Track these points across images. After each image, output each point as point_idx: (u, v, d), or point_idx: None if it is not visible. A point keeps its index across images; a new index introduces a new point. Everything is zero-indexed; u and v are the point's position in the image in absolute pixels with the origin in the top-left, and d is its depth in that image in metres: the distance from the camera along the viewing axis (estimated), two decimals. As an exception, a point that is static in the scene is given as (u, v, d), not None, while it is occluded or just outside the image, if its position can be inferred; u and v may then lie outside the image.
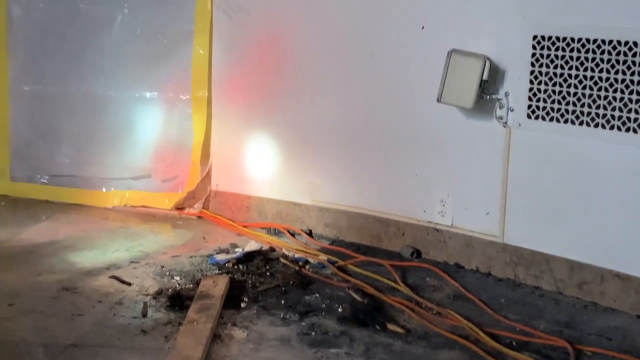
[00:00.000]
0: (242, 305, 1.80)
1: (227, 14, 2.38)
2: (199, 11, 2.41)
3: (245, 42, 2.39)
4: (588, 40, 1.79)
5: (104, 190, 2.53)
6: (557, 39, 1.83)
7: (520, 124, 1.92)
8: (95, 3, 2.46)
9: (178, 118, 2.47)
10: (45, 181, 2.57)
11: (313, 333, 1.69)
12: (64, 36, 2.50)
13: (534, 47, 1.87)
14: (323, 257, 2.10)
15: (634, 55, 1.72)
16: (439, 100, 1.97)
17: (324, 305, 1.82)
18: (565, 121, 1.84)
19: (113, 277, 1.95)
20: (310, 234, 2.31)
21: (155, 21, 2.45)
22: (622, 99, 1.75)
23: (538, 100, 1.88)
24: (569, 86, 1.82)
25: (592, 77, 1.79)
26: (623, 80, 1.74)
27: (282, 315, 1.76)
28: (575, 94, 1.81)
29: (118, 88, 2.49)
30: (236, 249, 2.15)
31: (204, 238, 2.28)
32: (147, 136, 2.50)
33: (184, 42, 2.43)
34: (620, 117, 1.76)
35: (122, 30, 2.46)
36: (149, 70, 2.47)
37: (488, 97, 1.95)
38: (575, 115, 1.82)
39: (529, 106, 1.90)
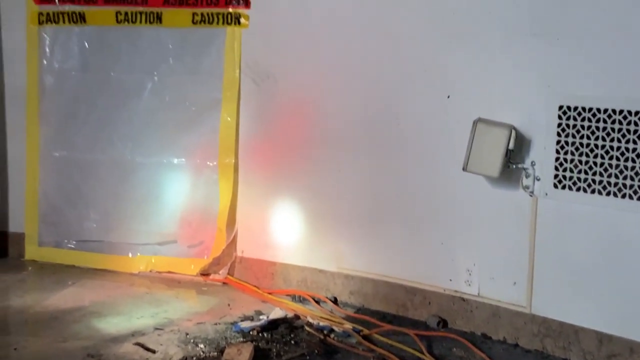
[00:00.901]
0: (267, 374, 1.80)
1: (255, 81, 2.41)
2: (228, 79, 2.44)
3: (272, 109, 2.42)
4: (614, 111, 1.79)
5: (130, 255, 2.54)
6: (583, 109, 1.84)
7: (546, 194, 1.91)
8: (126, 71, 2.51)
9: (205, 184, 2.49)
10: (72, 246, 2.59)
11: (338, 404, 1.67)
12: (95, 104, 2.54)
13: (559, 117, 1.88)
14: (348, 326, 2.09)
15: (661, 126, 1.72)
16: (464, 169, 1.97)
17: (349, 376, 1.81)
18: (593, 191, 1.83)
19: (138, 344, 1.94)
20: (335, 301, 2.30)
21: (184, 89, 2.49)
22: (649, 169, 1.75)
23: (565, 170, 1.87)
24: (595, 156, 1.82)
25: (618, 148, 1.78)
26: (650, 151, 1.75)
27: (306, 385, 1.75)
28: (602, 164, 1.81)
29: (146, 154, 2.53)
30: (261, 317, 2.14)
31: (229, 305, 2.27)
32: (174, 202, 2.52)
33: (212, 109, 2.46)
34: (647, 188, 1.76)
35: (152, 98, 2.50)
36: (177, 137, 2.50)
37: (514, 166, 1.95)
38: (602, 185, 1.81)
39: (556, 176, 1.89)
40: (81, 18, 2.51)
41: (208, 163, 2.48)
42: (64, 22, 2.52)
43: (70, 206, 2.59)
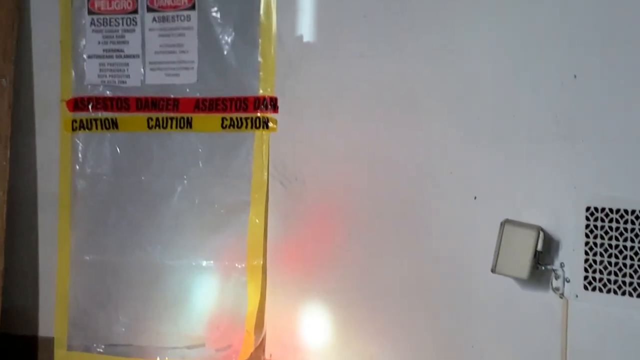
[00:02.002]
0: None
1: (283, 184, 2.44)
2: (256, 182, 2.47)
3: (300, 210, 2.43)
4: (642, 212, 1.79)
5: (158, 359, 2.53)
6: (611, 210, 1.84)
7: (577, 296, 1.90)
8: (157, 175, 2.55)
9: (233, 286, 2.49)
10: (101, 350, 2.58)
11: None
12: (125, 208, 2.57)
13: (587, 219, 1.87)
14: None
15: (690, 227, 1.71)
16: (493, 270, 1.96)
17: None
18: (623, 293, 1.81)
19: None
20: (365, 406, 2.26)
21: (213, 191, 2.51)
22: (680, 271, 1.73)
23: (594, 272, 1.86)
24: (624, 258, 1.81)
25: (647, 249, 1.78)
26: (680, 253, 1.73)
27: None
28: (631, 265, 1.80)
29: (175, 257, 2.54)
30: (290, 422, 2.12)
31: (257, 410, 2.25)
32: (203, 304, 2.52)
33: (241, 211, 2.49)
34: (679, 290, 1.73)
35: (181, 201, 2.53)
36: (206, 239, 2.52)
37: (543, 267, 1.94)
38: (632, 287, 1.79)
39: (585, 277, 1.88)
40: (113, 124, 2.57)
41: (236, 265, 2.49)
42: (96, 128, 2.58)
43: (100, 309, 2.59)
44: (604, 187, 1.87)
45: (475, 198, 2.08)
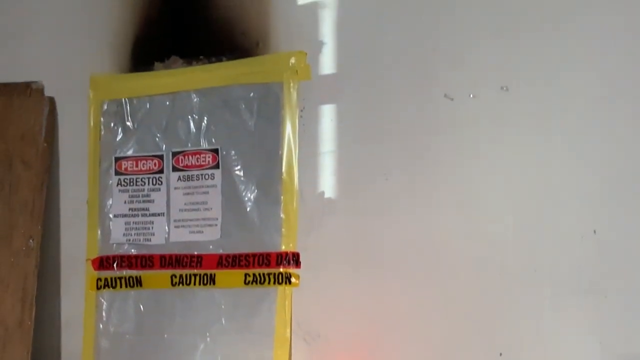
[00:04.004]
0: None
1: (306, 340, 2.43)
2: (278, 338, 2.46)
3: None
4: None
5: None
6: (637, 369, 1.82)
7: None
8: (180, 332, 2.54)
9: None
10: None
11: None
12: (150, 367, 2.57)
13: (615, 376, 1.85)
14: None
15: None
16: None
17: None
18: None
19: None
20: None
21: (236, 348, 2.49)
22: None
23: None
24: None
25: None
26: None
27: None
28: None
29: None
30: None
31: None
32: None
33: (264, 369, 2.47)
34: None
35: (204, 358, 2.52)
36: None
37: None
38: None
39: None
40: (138, 282, 2.59)
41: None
42: (121, 286, 2.60)
43: None
44: (630, 343, 1.85)
45: (500, 355, 2.06)
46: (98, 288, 2.62)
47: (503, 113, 2.11)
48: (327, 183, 2.39)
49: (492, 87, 2.12)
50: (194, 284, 2.56)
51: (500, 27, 2.13)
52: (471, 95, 2.15)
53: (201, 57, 2.56)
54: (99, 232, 2.63)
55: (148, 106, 2.62)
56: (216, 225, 2.53)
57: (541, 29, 2.08)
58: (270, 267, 2.51)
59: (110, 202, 2.63)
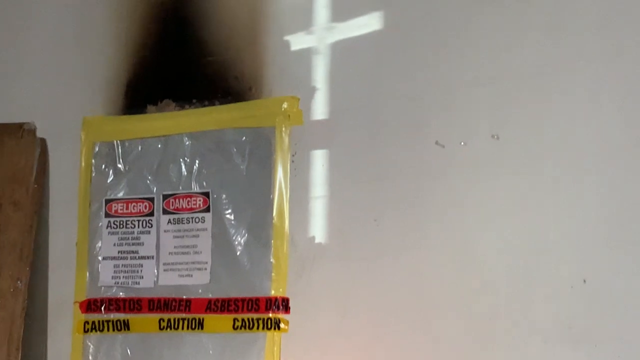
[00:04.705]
0: None
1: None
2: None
3: None
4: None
5: None
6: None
7: None
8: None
9: None
10: None
11: None
12: None
13: None
14: None
15: None
16: None
17: None
18: None
19: None
20: None
21: None
22: None
23: None
24: None
25: None
26: None
27: None
28: None
29: None
30: None
31: None
32: None
33: None
34: None
35: None
36: None
37: None
38: None
39: None
40: (125, 325, 2.56)
41: None
42: (108, 330, 2.57)
43: None
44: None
45: None
46: (85, 331, 2.59)
47: (494, 161, 2.12)
48: (318, 228, 2.39)
49: (483, 135, 2.14)
50: (182, 328, 2.53)
51: (491, 75, 2.15)
52: (462, 143, 2.16)
53: (194, 100, 2.57)
54: (88, 274, 2.61)
55: (140, 148, 2.63)
56: (206, 269, 2.52)
57: (532, 78, 2.10)
58: (260, 312, 2.49)
59: (100, 245, 2.62)
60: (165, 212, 2.58)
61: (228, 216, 2.51)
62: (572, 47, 2.06)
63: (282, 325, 2.47)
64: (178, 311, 2.54)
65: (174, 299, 2.54)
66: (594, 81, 2.03)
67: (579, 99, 2.04)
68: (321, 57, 2.41)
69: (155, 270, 2.56)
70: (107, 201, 2.63)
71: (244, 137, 2.50)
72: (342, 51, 2.39)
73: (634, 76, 1.98)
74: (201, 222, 2.53)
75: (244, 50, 2.52)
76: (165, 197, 2.58)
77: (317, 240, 2.38)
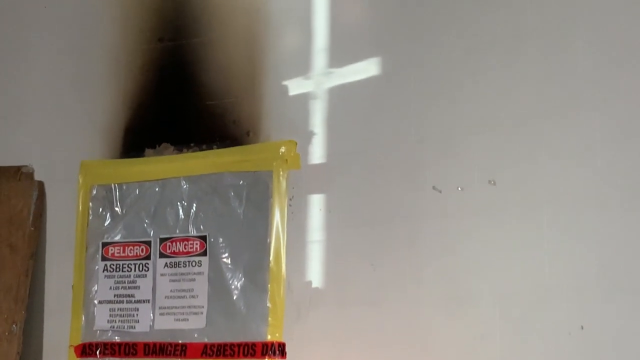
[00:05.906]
0: None
1: None
2: None
3: None
4: None
5: None
6: None
7: None
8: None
9: None
10: None
11: None
12: None
13: None
14: None
15: None
16: None
17: None
18: None
19: None
20: None
21: None
22: None
23: None
24: None
25: None
26: None
27: None
28: None
29: None
30: None
31: None
32: None
33: None
34: None
35: None
36: None
37: None
38: None
39: None
40: (120, 371, 2.56)
41: None
42: (103, 375, 2.57)
43: None
44: None
45: None
46: (81, 376, 2.60)
47: (490, 206, 2.12)
48: (315, 272, 2.38)
49: (480, 181, 2.14)
50: (176, 373, 2.53)
51: (487, 121, 2.16)
52: (459, 188, 2.17)
53: (192, 144, 2.58)
54: (83, 318, 2.60)
55: (137, 192, 2.63)
56: (202, 313, 2.50)
57: (528, 124, 2.11)
58: (256, 357, 2.46)
59: (96, 288, 2.61)
60: (162, 255, 2.57)
61: (225, 260, 2.50)
62: (567, 94, 2.07)
63: (278, 369, 2.47)
64: (174, 356, 2.51)
65: (170, 344, 2.51)
66: (588, 127, 2.03)
67: (575, 145, 2.05)
68: (319, 102, 2.42)
69: (151, 314, 2.55)
70: (104, 244, 2.62)
71: (242, 181, 2.50)
72: (339, 96, 2.40)
73: (628, 122, 1.99)
74: (198, 265, 2.53)
75: (243, 95, 2.54)
76: (162, 240, 2.57)
77: (313, 285, 2.37)
